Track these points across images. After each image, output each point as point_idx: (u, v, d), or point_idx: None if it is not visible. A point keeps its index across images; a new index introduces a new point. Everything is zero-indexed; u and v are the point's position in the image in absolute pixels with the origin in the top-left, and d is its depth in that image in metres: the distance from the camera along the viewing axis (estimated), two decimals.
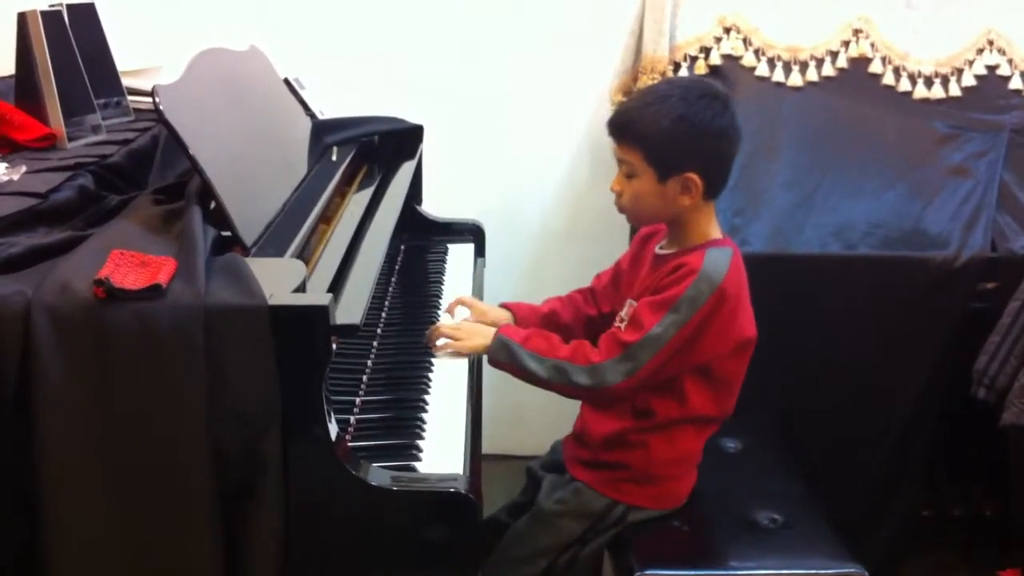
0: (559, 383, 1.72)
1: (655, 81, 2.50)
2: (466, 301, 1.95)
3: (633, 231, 2.11)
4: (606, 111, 1.79)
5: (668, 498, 1.86)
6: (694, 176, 1.68)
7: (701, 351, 1.70)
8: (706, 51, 2.58)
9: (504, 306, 1.96)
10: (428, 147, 2.39)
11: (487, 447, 1.62)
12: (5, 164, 1.72)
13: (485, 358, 1.78)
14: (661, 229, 1.84)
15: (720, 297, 1.66)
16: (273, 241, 1.56)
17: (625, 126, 1.72)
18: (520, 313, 1.95)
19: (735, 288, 1.69)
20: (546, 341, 1.74)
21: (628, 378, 1.69)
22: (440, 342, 1.80)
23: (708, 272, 1.66)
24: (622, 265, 1.94)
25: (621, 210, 1.79)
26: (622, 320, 1.79)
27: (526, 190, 2.89)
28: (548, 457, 2.06)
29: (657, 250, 1.82)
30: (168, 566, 1.29)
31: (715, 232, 1.76)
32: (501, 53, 2.79)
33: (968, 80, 2.55)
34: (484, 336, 1.76)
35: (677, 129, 1.66)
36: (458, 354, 1.79)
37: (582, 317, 1.96)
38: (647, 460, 1.80)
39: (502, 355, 1.73)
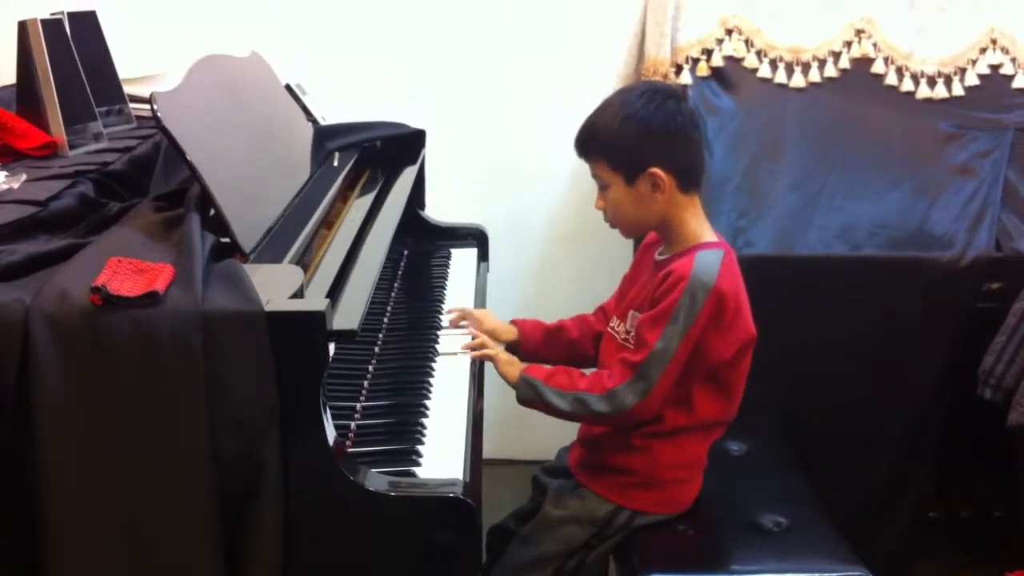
0: (581, 414, 1.74)
1: None
2: (474, 316, 1.99)
3: (637, 242, 2.10)
4: None
5: (674, 503, 1.85)
6: (658, 171, 1.69)
7: (709, 357, 1.69)
8: (708, 53, 2.58)
9: (513, 322, 1.99)
10: (431, 152, 2.39)
11: (494, 451, 1.62)
12: (5, 172, 1.73)
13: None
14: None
15: (718, 299, 1.65)
16: (272, 247, 1.56)
17: (585, 141, 1.78)
18: (526, 328, 1.98)
19: (732, 288, 1.68)
20: (567, 376, 1.76)
21: (645, 397, 1.68)
22: (477, 350, 1.84)
23: (699, 276, 1.65)
24: (626, 277, 1.94)
25: (612, 226, 1.82)
26: (620, 329, 1.80)
27: (530, 194, 2.89)
28: (554, 464, 2.06)
29: (656, 256, 1.82)
30: (168, 570, 1.29)
31: (706, 232, 1.76)
32: (503, 55, 2.79)
33: (971, 79, 2.55)
34: (517, 368, 1.79)
35: (626, 128, 1.71)
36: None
37: (591, 334, 1.96)
38: (652, 465, 1.79)
39: (527, 392, 1.76)
